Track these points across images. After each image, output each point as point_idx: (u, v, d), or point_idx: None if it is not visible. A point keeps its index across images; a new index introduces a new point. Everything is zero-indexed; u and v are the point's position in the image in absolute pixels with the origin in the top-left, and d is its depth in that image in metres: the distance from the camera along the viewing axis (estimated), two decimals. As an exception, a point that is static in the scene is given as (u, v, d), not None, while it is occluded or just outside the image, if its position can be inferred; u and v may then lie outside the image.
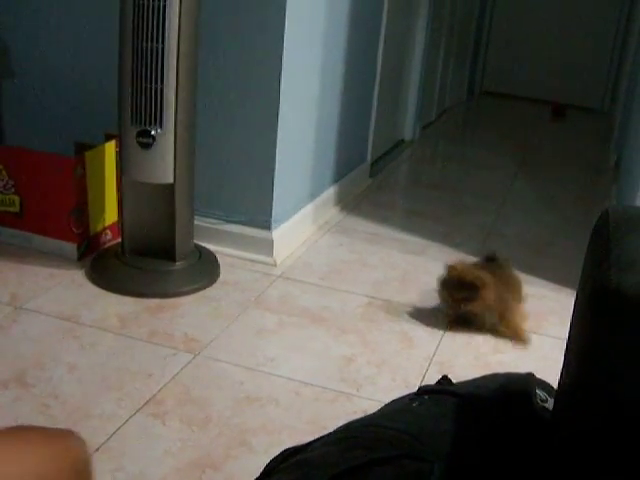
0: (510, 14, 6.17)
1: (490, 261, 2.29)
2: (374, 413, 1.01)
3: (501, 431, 0.97)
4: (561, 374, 0.98)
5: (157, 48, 2.00)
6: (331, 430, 1.54)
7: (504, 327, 2.16)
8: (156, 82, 2.03)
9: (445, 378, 1.09)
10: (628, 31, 5.67)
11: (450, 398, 1.00)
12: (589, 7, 5.91)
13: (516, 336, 2.15)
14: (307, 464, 0.89)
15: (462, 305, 2.11)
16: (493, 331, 2.16)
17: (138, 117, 2.08)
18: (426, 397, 1.00)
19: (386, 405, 1.05)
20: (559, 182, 3.95)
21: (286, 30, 2.31)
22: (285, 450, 1.02)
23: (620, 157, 3.89)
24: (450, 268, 2.13)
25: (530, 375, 1.08)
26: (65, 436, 0.83)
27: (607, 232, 0.92)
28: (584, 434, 0.84)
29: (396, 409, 1.00)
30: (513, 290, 2.23)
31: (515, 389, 1.05)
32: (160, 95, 2.04)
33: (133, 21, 1.98)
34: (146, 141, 2.10)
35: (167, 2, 1.97)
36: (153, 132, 2.08)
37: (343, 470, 0.83)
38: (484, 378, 1.09)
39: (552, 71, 6.08)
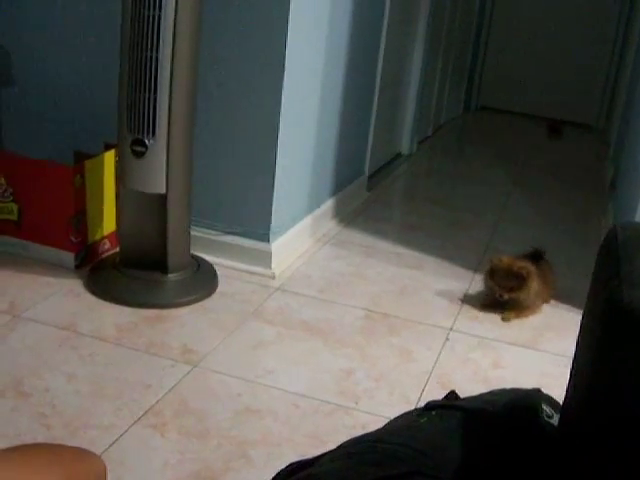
0: (507, 30, 6.20)
1: (535, 256, 2.53)
2: (382, 428, 1.01)
3: (508, 447, 0.97)
4: (567, 390, 0.98)
5: (152, 57, 2.00)
6: (330, 443, 1.53)
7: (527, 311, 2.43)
8: (149, 91, 2.03)
9: (452, 393, 1.09)
10: (624, 48, 5.71)
11: (457, 414, 1.00)
12: (586, 24, 5.95)
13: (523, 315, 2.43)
14: (316, 479, 0.89)
15: (509, 293, 2.36)
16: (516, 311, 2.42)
17: (133, 126, 2.08)
18: (433, 412, 1.00)
19: (393, 420, 1.04)
20: (555, 198, 3.97)
21: (288, 44, 2.32)
22: (291, 464, 1.02)
23: (616, 174, 3.91)
24: (497, 260, 2.40)
25: (537, 391, 1.08)
26: (84, 454, 0.82)
27: (616, 249, 0.92)
28: (593, 450, 0.84)
29: (404, 425, 1.00)
30: (549, 283, 2.53)
31: (522, 405, 1.05)
32: (153, 104, 2.04)
33: (131, 30, 1.99)
34: (139, 150, 2.10)
35: (162, 12, 1.97)
36: (146, 141, 2.08)
37: None
38: (491, 393, 1.09)
39: (548, 88, 6.11)
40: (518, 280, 2.35)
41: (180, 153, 2.16)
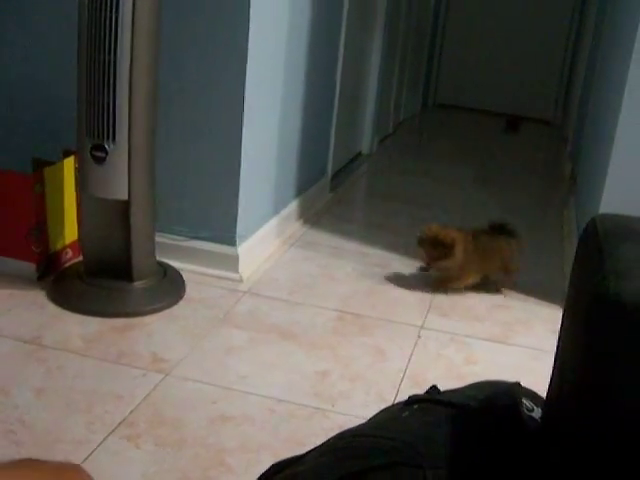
0: (463, 28, 6.27)
1: (495, 229, 2.54)
2: (364, 423, 1.00)
3: (489, 440, 0.97)
4: (550, 384, 0.98)
5: (109, 60, 1.96)
6: (308, 446, 1.52)
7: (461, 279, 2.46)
8: (108, 95, 1.98)
9: (434, 387, 1.08)
10: (578, 44, 5.81)
11: (439, 407, 0.99)
12: (540, 21, 6.03)
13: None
14: (301, 476, 0.87)
15: (434, 261, 2.39)
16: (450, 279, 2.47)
17: (92, 130, 2.03)
18: (415, 406, 1.00)
19: (376, 415, 1.04)
20: (516, 193, 4.01)
21: (249, 47, 2.30)
22: (274, 464, 1.00)
23: (575, 168, 3.96)
24: (426, 228, 2.40)
25: (516, 384, 1.08)
26: (70, 470, 0.80)
27: (598, 242, 0.92)
28: (581, 444, 0.84)
29: (386, 418, 0.99)
30: (501, 257, 2.51)
31: (502, 398, 1.05)
32: (112, 108, 2.00)
33: (88, 33, 1.95)
34: (99, 155, 2.05)
35: (119, 14, 1.93)
36: (107, 146, 2.04)
37: (337, 478, 0.81)
38: (471, 387, 1.09)
39: (504, 84, 6.18)
40: (444, 248, 2.35)
41: (142, 158, 2.11)
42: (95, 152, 2.05)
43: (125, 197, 2.12)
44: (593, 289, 0.83)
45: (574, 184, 3.70)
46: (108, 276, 2.25)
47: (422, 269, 2.59)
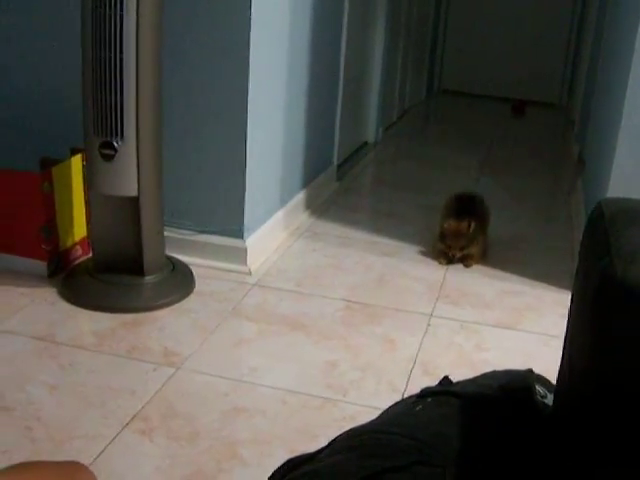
0: (465, 13, 6.23)
1: (471, 200, 2.80)
2: (379, 418, 1.00)
3: (505, 430, 0.97)
4: (560, 369, 0.98)
5: (115, 58, 1.96)
6: (320, 437, 1.53)
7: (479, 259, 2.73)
8: (115, 93, 1.99)
9: (446, 379, 1.08)
10: (582, 25, 5.77)
11: (452, 399, 0.99)
12: (544, 4, 5.99)
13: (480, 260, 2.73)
14: (317, 475, 0.87)
15: (460, 251, 2.64)
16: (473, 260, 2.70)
17: (100, 128, 2.04)
18: (429, 399, 0.99)
19: (389, 409, 1.03)
20: (524, 177, 3.99)
21: (252, 40, 2.29)
22: (289, 461, 1.00)
23: (582, 151, 3.94)
24: (446, 224, 2.66)
25: (529, 371, 1.08)
26: (74, 470, 0.81)
27: (604, 226, 0.92)
28: (590, 427, 0.84)
29: (400, 413, 0.99)
30: (485, 223, 2.80)
31: (515, 386, 1.05)
32: (120, 106, 2.01)
33: (92, 31, 1.95)
34: (108, 153, 2.06)
35: (124, 12, 1.93)
36: (115, 144, 2.04)
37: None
38: (484, 377, 1.09)
39: (509, 68, 6.15)
40: (467, 239, 2.63)
41: (150, 154, 2.12)
42: (104, 150, 2.06)
43: (135, 193, 2.13)
44: (600, 273, 0.83)
45: (582, 167, 3.69)
46: (118, 272, 2.26)
47: (447, 262, 2.69)
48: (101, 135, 2.04)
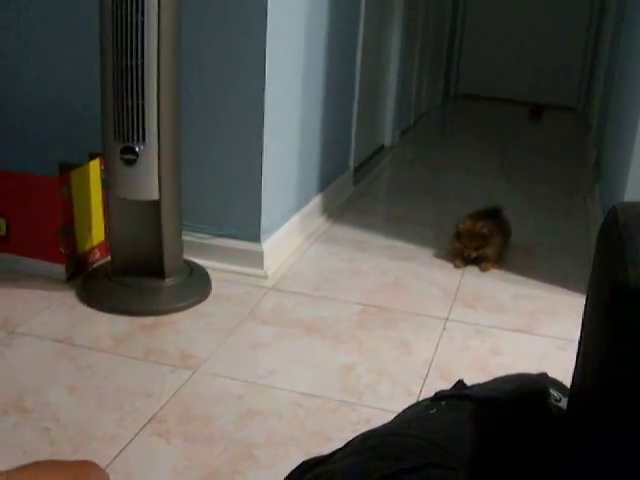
0: (483, 17, 6.22)
1: (493, 213, 2.83)
2: (393, 421, 1.00)
3: (518, 434, 0.97)
4: (575, 374, 0.98)
5: (137, 64, 1.98)
6: (335, 440, 1.53)
7: (496, 261, 2.73)
8: (137, 98, 2.01)
9: (460, 382, 1.09)
10: (600, 29, 5.74)
11: (466, 403, 1.00)
12: (561, 7, 5.97)
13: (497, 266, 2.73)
14: (330, 477, 0.88)
15: (475, 251, 2.65)
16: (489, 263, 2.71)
17: (121, 133, 2.06)
18: (443, 403, 1.00)
19: (403, 412, 1.04)
20: (541, 182, 3.98)
21: (268, 43, 2.31)
22: (303, 463, 1.01)
23: (600, 155, 3.93)
24: (461, 224, 2.69)
25: (543, 375, 1.08)
26: (88, 469, 0.82)
27: (618, 230, 0.92)
28: (603, 433, 0.84)
29: (414, 417, 1.00)
30: (506, 235, 2.84)
31: (530, 390, 1.05)
32: (142, 111, 2.03)
33: (113, 38, 1.97)
34: (130, 157, 2.08)
35: (145, 18, 1.96)
36: (136, 148, 2.07)
37: None
38: (498, 380, 1.09)
39: (527, 72, 6.14)
40: (483, 239, 2.64)
41: (170, 157, 2.14)
42: (125, 155, 2.08)
43: (156, 197, 2.15)
44: (613, 278, 0.83)
45: (599, 171, 3.67)
46: (137, 275, 2.28)
47: (462, 262, 2.71)
48: (122, 140, 2.06)
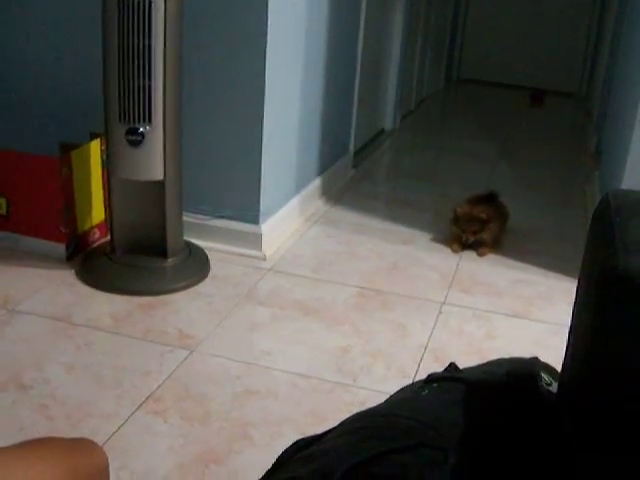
0: (485, 1, 6.19)
1: (490, 198, 2.84)
2: (385, 402, 1.02)
3: (509, 416, 0.99)
4: (565, 358, 1.00)
5: (144, 45, 1.99)
6: (330, 420, 1.55)
7: (493, 246, 2.74)
8: (144, 79, 2.01)
9: (452, 365, 1.10)
10: (603, 15, 5.72)
11: (458, 385, 1.01)
12: (563, -7, 5.95)
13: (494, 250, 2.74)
14: (322, 455, 0.90)
15: (473, 235, 2.67)
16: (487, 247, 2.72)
17: (126, 115, 2.06)
18: (435, 385, 1.01)
19: (395, 393, 1.06)
20: (541, 167, 3.99)
21: (269, 25, 2.31)
22: (296, 442, 1.03)
23: (600, 141, 3.93)
24: (459, 208, 2.70)
25: (535, 359, 1.10)
26: (84, 446, 0.83)
27: (609, 217, 0.93)
28: (592, 417, 0.86)
29: (406, 398, 1.01)
30: (503, 220, 2.85)
31: (521, 373, 1.06)
32: (148, 92, 2.03)
33: (119, 19, 1.97)
34: (135, 138, 2.09)
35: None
36: (142, 129, 2.07)
37: (360, 460, 0.83)
38: (490, 364, 1.10)
39: (529, 57, 6.12)
40: (480, 223, 2.66)
41: (173, 138, 2.16)
42: (130, 136, 2.08)
43: (161, 177, 2.16)
44: (603, 264, 0.84)
45: (599, 157, 3.68)
46: (137, 255, 2.30)
47: (460, 247, 2.72)
48: (128, 122, 2.06)
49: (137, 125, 2.06)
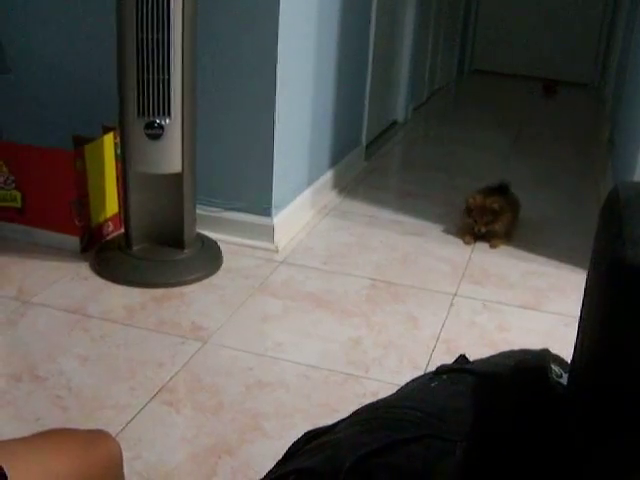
0: (498, -8, 6.16)
1: (502, 189, 2.84)
2: (394, 394, 1.03)
3: (518, 408, 0.99)
4: (575, 349, 1.00)
5: (162, 39, 2.00)
6: (341, 412, 1.56)
7: (505, 238, 2.74)
8: (163, 73, 2.03)
9: (462, 357, 1.10)
10: (617, 5, 5.68)
11: (468, 377, 1.02)
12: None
13: (506, 242, 2.74)
14: (332, 446, 0.91)
15: (485, 226, 2.67)
16: (499, 239, 2.73)
17: (145, 109, 2.08)
18: (444, 376, 1.02)
19: (405, 385, 1.06)
20: (554, 158, 3.98)
21: (280, 15, 2.31)
22: (307, 433, 1.04)
23: (613, 131, 3.91)
24: (472, 199, 2.71)
25: (545, 351, 1.10)
26: (99, 438, 0.85)
27: (618, 209, 0.93)
28: (601, 410, 0.86)
29: (415, 389, 1.02)
30: (516, 211, 2.84)
31: (531, 365, 1.07)
32: (167, 85, 2.05)
33: (136, 13, 1.97)
34: (155, 132, 2.10)
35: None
36: (162, 123, 2.09)
37: (369, 451, 0.84)
38: (500, 355, 1.11)
39: (541, 48, 6.09)
40: (493, 214, 2.67)
41: (190, 130, 2.18)
42: (150, 130, 2.09)
43: (179, 169, 2.18)
44: (611, 256, 0.84)
45: (612, 148, 3.66)
46: (151, 248, 2.32)
47: (472, 238, 2.73)
48: (147, 115, 2.08)
49: (156, 119, 2.07)
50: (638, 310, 0.79)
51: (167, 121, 2.09)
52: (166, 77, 2.03)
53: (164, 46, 2.00)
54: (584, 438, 0.87)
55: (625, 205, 0.93)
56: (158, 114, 2.07)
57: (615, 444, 0.83)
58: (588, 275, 1.01)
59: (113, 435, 1.55)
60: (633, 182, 1.03)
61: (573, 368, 1.01)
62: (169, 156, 2.15)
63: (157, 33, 1.99)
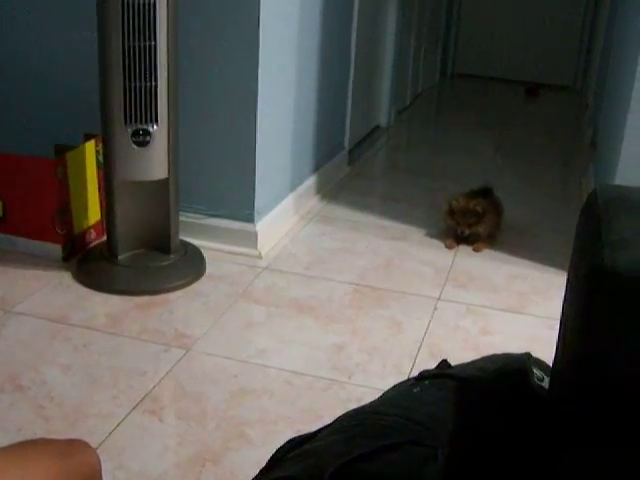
0: (479, -4, 6.19)
1: (485, 192, 2.83)
2: (376, 400, 1.03)
3: (499, 412, 0.99)
4: (556, 353, 1.01)
5: (149, 46, 2.00)
6: (326, 417, 1.56)
7: (489, 241, 2.74)
8: (150, 80, 2.03)
9: (444, 362, 1.11)
10: (597, 8, 5.72)
11: (450, 382, 1.02)
12: (557, -14, 5.94)
13: (489, 245, 2.73)
14: (314, 454, 0.91)
15: (468, 228, 2.67)
16: (482, 242, 2.72)
17: (132, 116, 2.07)
18: (427, 382, 1.02)
19: (387, 391, 1.06)
20: (537, 161, 3.99)
21: (261, 21, 2.31)
22: (290, 440, 1.04)
23: (595, 134, 3.93)
24: (454, 201, 2.70)
25: (527, 355, 1.10)
26: (76, 448, 0.84)
27: (597, 212, 0.94)
28: (580, 411, 0.86)
29: (398, 395, 1.02)
30: (499, 214, 2.83)
31: (513, 369, 1.07)
32: (154, 92, 2.04)
33: (122, 21, 1.97)
34: (143, 140, 2.10)
35: (157, 0, 1.97)
36: (149, 129, 2.08)
37: (351, 458, 0.84)
38: (482, 360, 1.11)
39: (523, 51, 6.11)
40: (476, 216, 2.66)
41: (175, 136, 2.18)
42: (137, 137, 2.09)
43: (166, 175, 2.18)
44: (590, 260, 0.85)
45: (594, 150, 3.68)
46: (135, 255, 2.31)
47: (455, 240, 2.73)
48: (135, 123, 2.07)
49: (144, 126, 2.07)
50: (617, 314, 0.79)
51: (154, 128, 2.08)
52: (153, 84, 2.03)
53: (151, 53, 2.00)
54: (561, 439, 0.88)
55: (604, 208, 0.94)
56: (145, 121, 2.07)
57: (591, 444, 0.83)
58: (568, 278, 1.01)
59: (96, 444, 1.55)
60: (612, 185, 1.03)
61: (554, 370, 1.01)
62: (156, 163, 2.14)
63: (144, 40, 1.98)
